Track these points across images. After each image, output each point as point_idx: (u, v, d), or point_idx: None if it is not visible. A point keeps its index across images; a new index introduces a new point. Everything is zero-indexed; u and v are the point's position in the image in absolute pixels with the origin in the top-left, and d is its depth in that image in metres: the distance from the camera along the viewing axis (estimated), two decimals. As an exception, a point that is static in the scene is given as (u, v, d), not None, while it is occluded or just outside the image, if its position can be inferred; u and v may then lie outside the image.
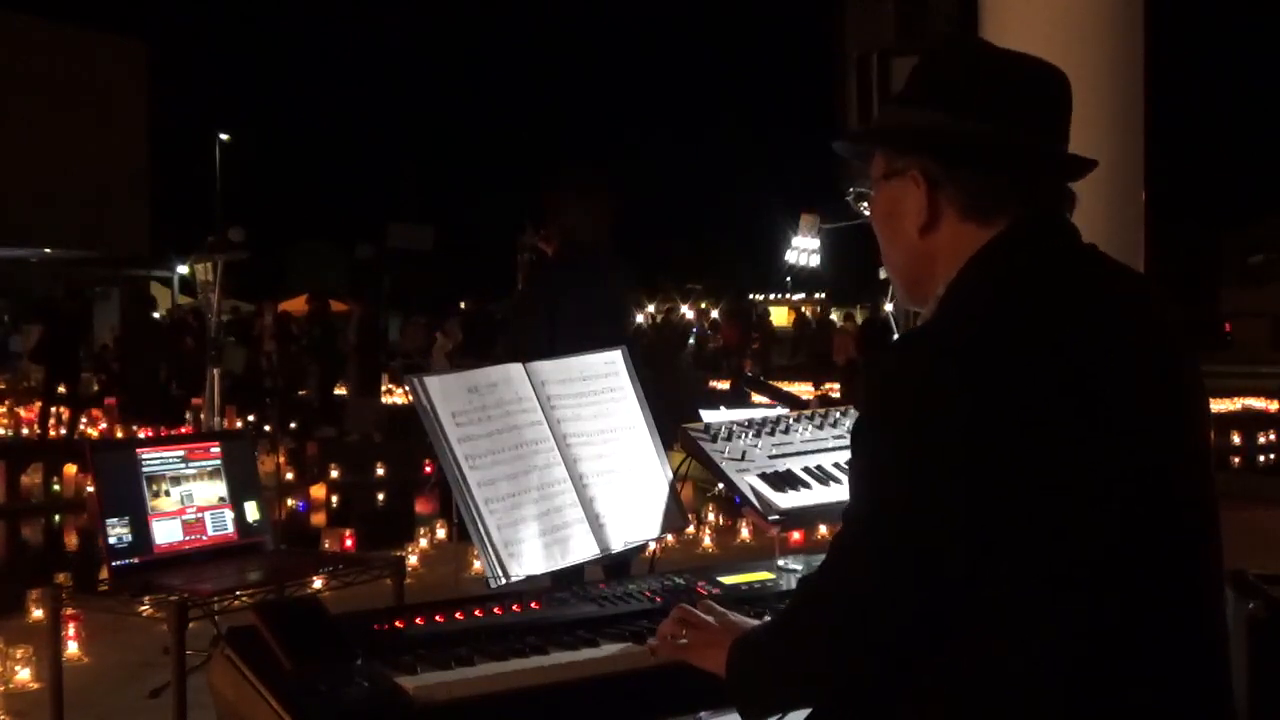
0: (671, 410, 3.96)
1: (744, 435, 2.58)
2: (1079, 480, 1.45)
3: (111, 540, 3.28)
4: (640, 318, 22.84)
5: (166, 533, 3.41)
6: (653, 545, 2.66)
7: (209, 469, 3.56)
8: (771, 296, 47.83)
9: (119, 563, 3.29)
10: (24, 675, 4.97)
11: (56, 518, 10.17)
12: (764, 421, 2.63)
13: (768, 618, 2.04)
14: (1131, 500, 1.47)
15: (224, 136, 38.23)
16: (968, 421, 1.43)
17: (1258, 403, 19.04)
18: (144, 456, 3.44)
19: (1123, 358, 1.52)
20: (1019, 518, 1.43)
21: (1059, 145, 1.63)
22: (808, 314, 37.86)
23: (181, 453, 3.53)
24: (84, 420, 14.82)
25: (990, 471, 1.43)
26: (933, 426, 1.44)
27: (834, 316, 32.44)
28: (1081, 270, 1.59)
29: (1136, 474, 1.48)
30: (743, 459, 2.53)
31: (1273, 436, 14.57)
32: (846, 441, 2.04)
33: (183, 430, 12.75)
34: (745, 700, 1.68)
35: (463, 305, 21.72)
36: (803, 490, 2.49)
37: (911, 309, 1.76)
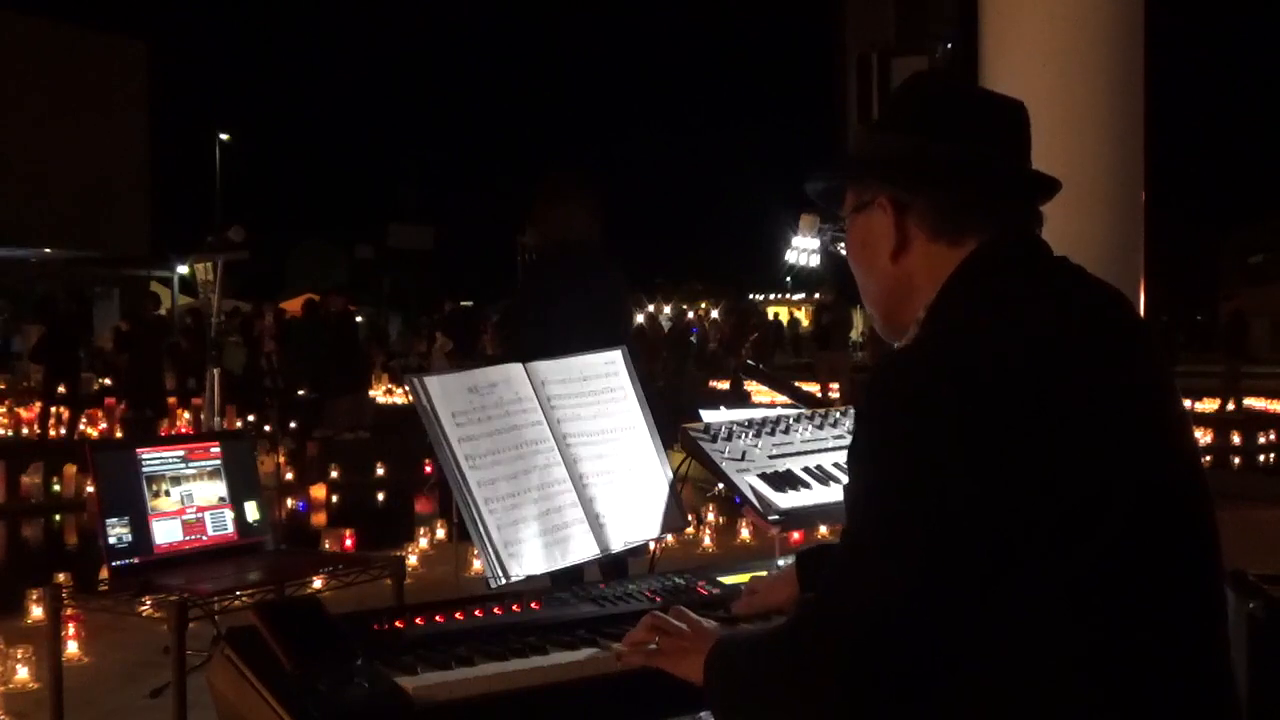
0: (672, 410, 3.96)
1: (744, 435, 2.58)
2: (1078, 486, 1.45)
3: (111, 540, 3.28)
4: (640, 317, 22.85)
5: (166, 533, 3.41)
6: (652, 546, 2.65)
7: (209, 469, 3.56)
8: (771, 296, 47.88)
9: (119, 563, 3.29)
10: (24, 675, 4.97)
11: (56, 518, 10.18)
12: (764, 421, 2.63)
13: (745, 626, 2.02)
14: (1134, 502, 1.48)
15: (224, 136, 38.27)
16: (965, 435, 1.43)
17: (1258, 403, 19.04)
18: (144, 456, 3.44)
19: (1109, 366, 1.54)
20: (1023, 526, 1.43)
21: (1021, 165, 1.67)
22: (802, 316, 37.90)
23: (181, 453, 3.54)
24: (84, 420, 14.82)
25: (991, 483, 1.43)
26: (932, 443, 1.44)
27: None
28: (1059, 283, 1.62)
29: (1135, 477, 1.49)
30: (743, 459, 2.53)
31: (1273, 436, 14.57)
32: (846, 441, 2.03)
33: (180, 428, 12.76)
34: (726, 709, 1.67)
35: (446, 307, 21.56)
36: (803, 490, 2.49)
37: (891, 341, 1.76)
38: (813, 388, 14.11)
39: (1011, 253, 1.60)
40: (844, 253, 1.79)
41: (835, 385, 16.37)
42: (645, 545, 2.58)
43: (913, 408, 1.47)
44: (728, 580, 2.33)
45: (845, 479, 1.70)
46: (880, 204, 1.65)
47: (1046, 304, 1.56)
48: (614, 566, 3.45)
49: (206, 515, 3.51)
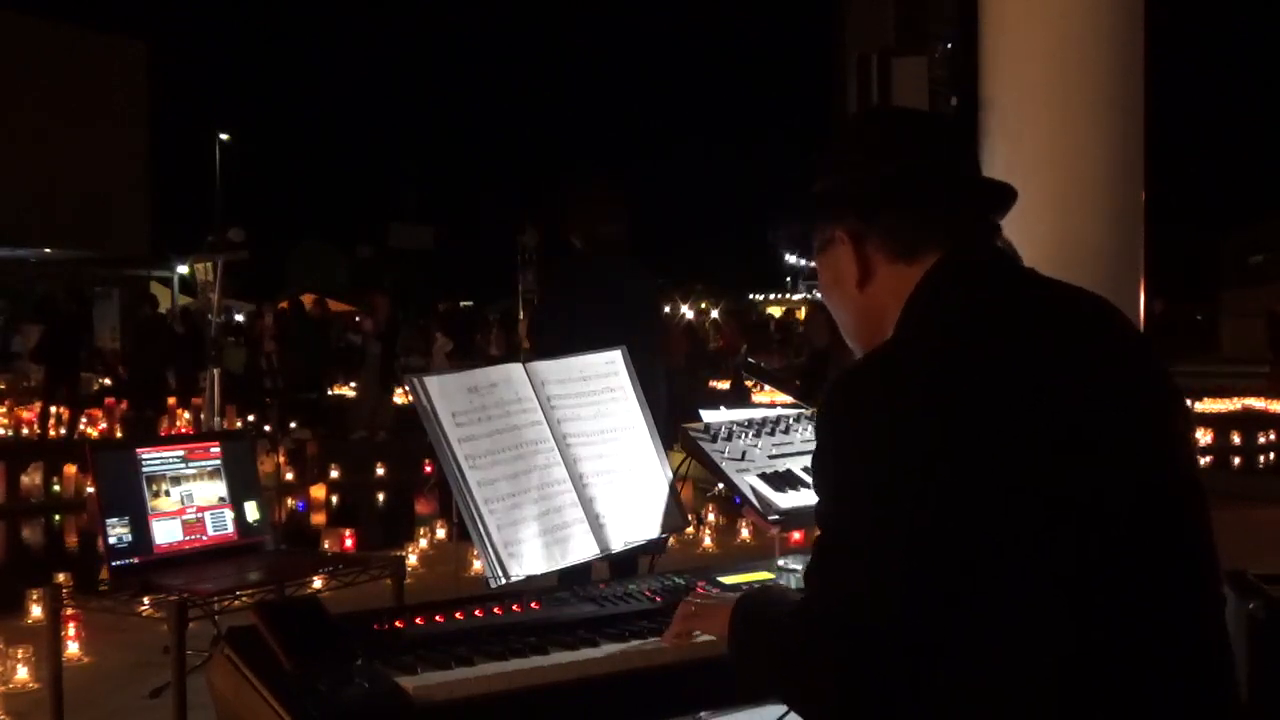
0: (671, 410, 3.96)
1: (744, 435, 2.58)
2: (1066, 485, 1.45)
3: (111, 540, 3.28)
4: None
5: (166, 533, 3.41)
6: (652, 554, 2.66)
7: (209, 469, 3.56)
8: (772, 296, 47.91)
9: (119, 563, 3.29)
10: (24, 675, 4.97)
11: (56, 518, 10.18)
12: (764, 421, 2.63)
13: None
14: (1133, 503, 1.48)
15: (224, 136, 38.22)
16: (932, 440, 1.44)
17: (1258, 403, 19.04)
18: (144, 456, 3.44)
19: (1092, 365, 1.55)
20: (1009, 524, 1.43)
21: (967, 178, 1.72)
22: (802, 316, 37.89)
23: (181, 453, 3.54)
24: (84, 420, 14.82)
25: (960, 488, 1.43)
26: (899, 450, 1.45)
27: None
28: (1026, 287, 1.64)
29: (1133, 478, 1.49)
30: (743, 459, 2.53)
31: (1273, 436, 14.57)
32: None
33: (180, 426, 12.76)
34: (741, 671, 1.71)
35: (441, 307, 21.49)
36: (803, 490, 2.49)
37: None
38: (813, 388, 14.11)
39: (971, 261, 1.63)
40: (820, 296, 1.84)
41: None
42: (651, 546, 2.58)
43: (879, 411, 1.48)
44: (728, 580, 2.33)
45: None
46: (839, 238, 1.71)
47: (1012, 305, 1.58)
48: (624, 565, 3.46)
49: (206, 515, 3.52)
